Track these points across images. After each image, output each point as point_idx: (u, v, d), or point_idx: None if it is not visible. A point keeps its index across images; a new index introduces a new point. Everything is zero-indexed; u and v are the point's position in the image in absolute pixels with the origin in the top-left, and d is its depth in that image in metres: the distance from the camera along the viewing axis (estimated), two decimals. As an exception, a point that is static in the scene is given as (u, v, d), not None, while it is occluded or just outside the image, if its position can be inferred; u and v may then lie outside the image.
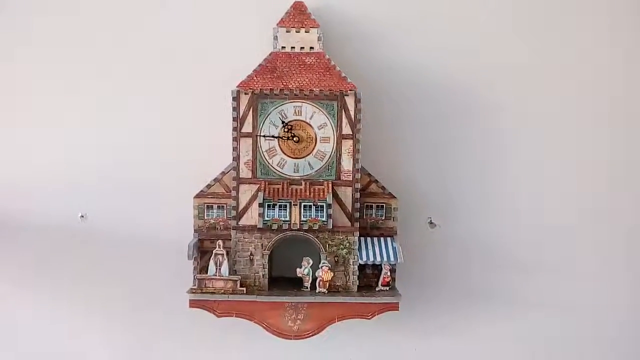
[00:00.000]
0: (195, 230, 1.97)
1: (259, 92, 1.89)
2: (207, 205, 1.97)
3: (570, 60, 2.09)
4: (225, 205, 1.96)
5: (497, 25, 2.08)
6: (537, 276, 2.13)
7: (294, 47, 1.97)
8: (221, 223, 1.96)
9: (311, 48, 1.96)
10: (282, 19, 1.98)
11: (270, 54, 1.96)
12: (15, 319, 2.15)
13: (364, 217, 1.96)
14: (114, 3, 2.06)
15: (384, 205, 1.98)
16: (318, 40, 1.97)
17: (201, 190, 1.97)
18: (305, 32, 1.97)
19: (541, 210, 2.12)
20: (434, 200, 2.10)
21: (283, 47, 1.96)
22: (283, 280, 1.98)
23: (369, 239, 1.95)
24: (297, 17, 1.99)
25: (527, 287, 2.13)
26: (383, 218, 1.99)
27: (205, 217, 1.97)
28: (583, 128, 2.10)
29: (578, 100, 2.09)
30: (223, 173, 1.97)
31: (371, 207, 1.98)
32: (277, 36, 1.97)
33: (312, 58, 1.96)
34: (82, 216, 2.10)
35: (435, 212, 2.10)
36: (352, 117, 1.90)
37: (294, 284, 1.95)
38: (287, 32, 1.97)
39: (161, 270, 2.08)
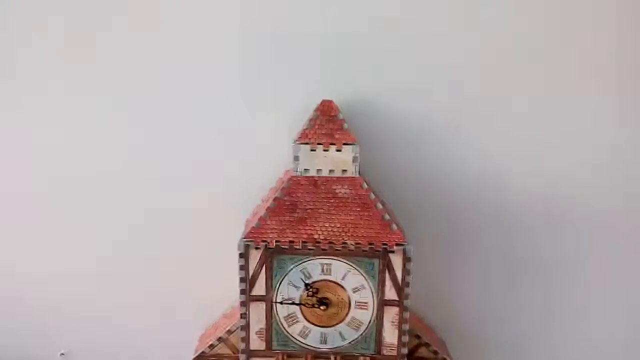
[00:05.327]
0: (198, 397, 1.58)
1: (275, 246, 1.41)
2: (210, 369, 1.56)
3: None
4: (233, 369, 1.55)
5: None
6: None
7: (320, 170, 1.45)
8: (230, 389, 1.57)
9: (344, 171, 1.45)
10: (304, 130, 1.45)
11: (289, 180, 1.45)
12: None
13: (411, 384, 1.55)
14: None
15: (436, 372, 1.56)
16: (353, 161, 1.45)
17: (202, 352, 1.56)
18: (337, 150, 1.44)
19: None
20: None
21: (306, 170, 1.45)
22: None
23: (416, 412, 1.55)
24: (326, 127, 1.46)
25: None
26: (434, 385, 1.57)
27: (210, 382, 1.57)
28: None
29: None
30: (229, 332, 1.54)
31: (420, 374, 1.56)
32: (298, 156, 1.45)
33: (346, 187, 1.44)
34: (63, 354, 1.72)
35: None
36: (399, 279, 1.42)
37: None
38: (312, 150, 1.44)
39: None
